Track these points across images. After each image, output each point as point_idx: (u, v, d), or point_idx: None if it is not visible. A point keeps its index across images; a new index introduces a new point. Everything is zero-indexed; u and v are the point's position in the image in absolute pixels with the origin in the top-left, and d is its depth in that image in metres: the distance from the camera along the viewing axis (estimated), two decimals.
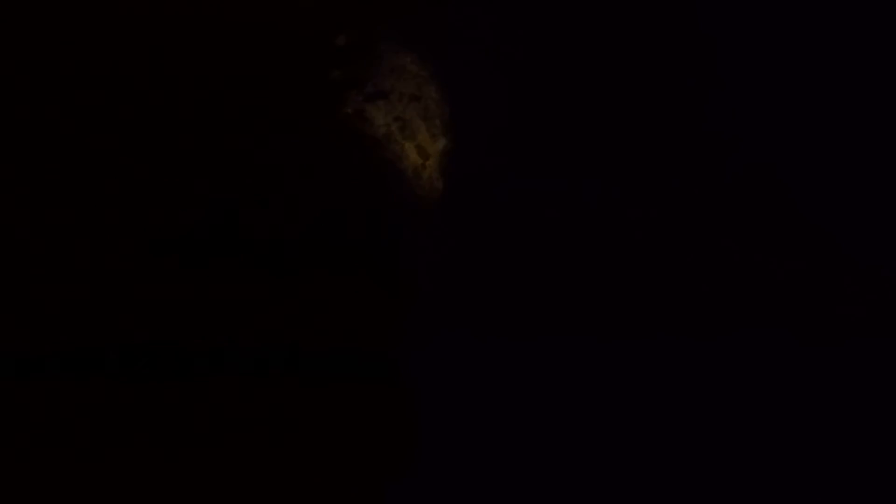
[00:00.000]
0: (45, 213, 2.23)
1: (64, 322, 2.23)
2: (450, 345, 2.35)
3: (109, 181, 2.23)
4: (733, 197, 2.45)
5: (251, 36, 2.27)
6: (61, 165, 2.25)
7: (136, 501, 2.16)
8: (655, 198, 2.43)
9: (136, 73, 2.25)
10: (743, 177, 2.46)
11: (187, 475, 2.18)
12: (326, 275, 2.26)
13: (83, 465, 2.18)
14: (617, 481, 2.31)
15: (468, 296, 2.40)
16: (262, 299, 2.24)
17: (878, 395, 2.36)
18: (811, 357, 2.39)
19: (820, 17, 2.48)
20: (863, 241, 2.46)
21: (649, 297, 2.42)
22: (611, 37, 2.47)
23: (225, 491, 2.20)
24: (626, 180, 2.44)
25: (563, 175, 2.42)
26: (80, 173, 2.24)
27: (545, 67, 2.47)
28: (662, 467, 2.34)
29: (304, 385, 2.24)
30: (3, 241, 2.23)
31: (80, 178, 2.24)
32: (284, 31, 2.28)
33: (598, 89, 2.46)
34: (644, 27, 2.47)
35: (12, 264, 2.22)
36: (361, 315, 2.28)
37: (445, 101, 2.36)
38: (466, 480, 2.33)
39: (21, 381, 2.20)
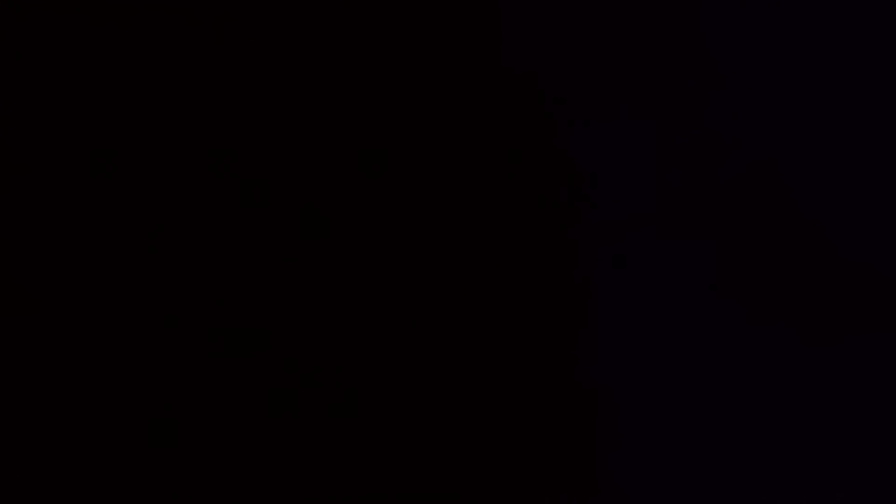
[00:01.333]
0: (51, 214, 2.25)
1: (66, 320, 2.25)
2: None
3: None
4: (734, 196, 2.45)
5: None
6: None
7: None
8: (655, 196, 2.44)
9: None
10: (743, 177, 2.46)
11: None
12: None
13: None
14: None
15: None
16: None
17: (877, 393, 2.37)
18: (810, 355, 2.39)
19: (820, 18, 2.48)
20: (863, 241, 2.46)
21: (648, 294, 2.43)
22: (608, 36, 2.48)
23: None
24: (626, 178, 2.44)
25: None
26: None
27: (544, 65, 2.47)
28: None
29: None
30: (3, 241, 2.25)
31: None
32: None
33: (595, 86, 2.47)
34: (642, 25, 2.48)
35: (12, 264, 2.23)
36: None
37: None
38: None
39: (21, 381, 2.22)
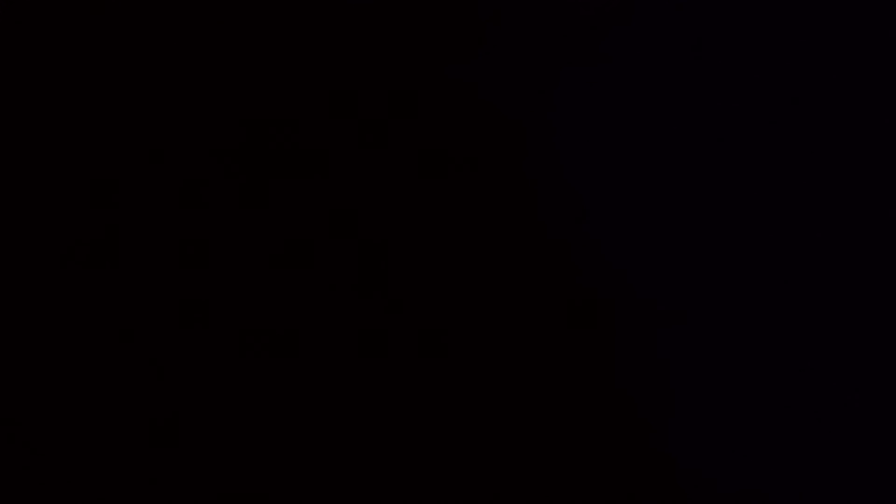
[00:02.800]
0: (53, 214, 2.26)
1: (68, 320, 2.25)
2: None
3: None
4: (733, 194, 2.46)
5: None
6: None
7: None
8: (654, 196, 2.44)
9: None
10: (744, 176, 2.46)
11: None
12: None
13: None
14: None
15: None
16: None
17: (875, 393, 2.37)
18: (807, 354, 2.39)
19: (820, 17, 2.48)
20: (862, 240, 2.46)
21: (646, 294, 2.43)
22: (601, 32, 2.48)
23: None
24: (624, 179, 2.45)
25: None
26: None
27: (541, 63, 2.48)
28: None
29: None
30: (3, 241, 2.25)
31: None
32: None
33: (592, 84, 2.47)
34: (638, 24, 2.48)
35: (12, 264, 2.24)
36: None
37: None
38: None
39: (21, 381, 2.22)
